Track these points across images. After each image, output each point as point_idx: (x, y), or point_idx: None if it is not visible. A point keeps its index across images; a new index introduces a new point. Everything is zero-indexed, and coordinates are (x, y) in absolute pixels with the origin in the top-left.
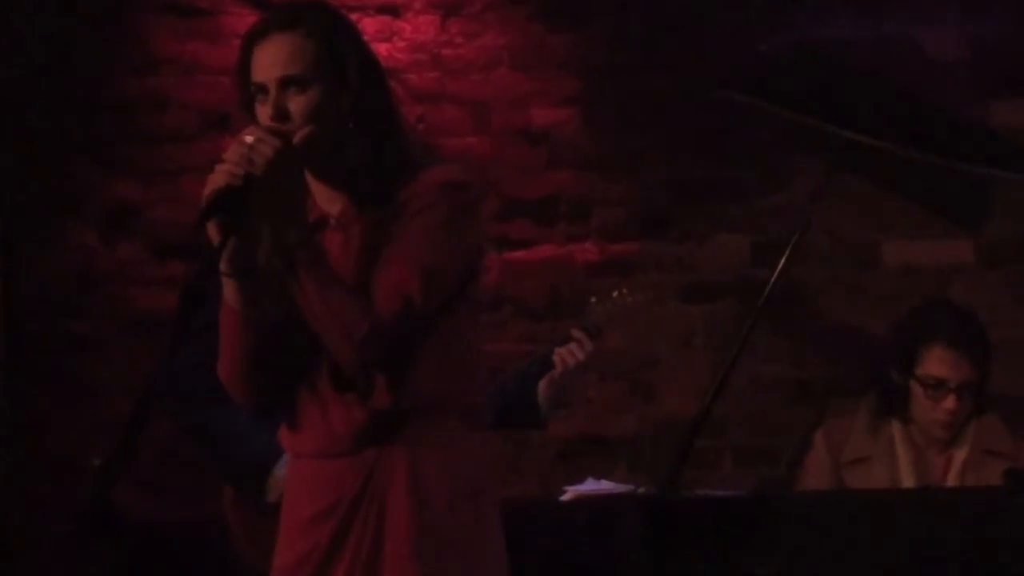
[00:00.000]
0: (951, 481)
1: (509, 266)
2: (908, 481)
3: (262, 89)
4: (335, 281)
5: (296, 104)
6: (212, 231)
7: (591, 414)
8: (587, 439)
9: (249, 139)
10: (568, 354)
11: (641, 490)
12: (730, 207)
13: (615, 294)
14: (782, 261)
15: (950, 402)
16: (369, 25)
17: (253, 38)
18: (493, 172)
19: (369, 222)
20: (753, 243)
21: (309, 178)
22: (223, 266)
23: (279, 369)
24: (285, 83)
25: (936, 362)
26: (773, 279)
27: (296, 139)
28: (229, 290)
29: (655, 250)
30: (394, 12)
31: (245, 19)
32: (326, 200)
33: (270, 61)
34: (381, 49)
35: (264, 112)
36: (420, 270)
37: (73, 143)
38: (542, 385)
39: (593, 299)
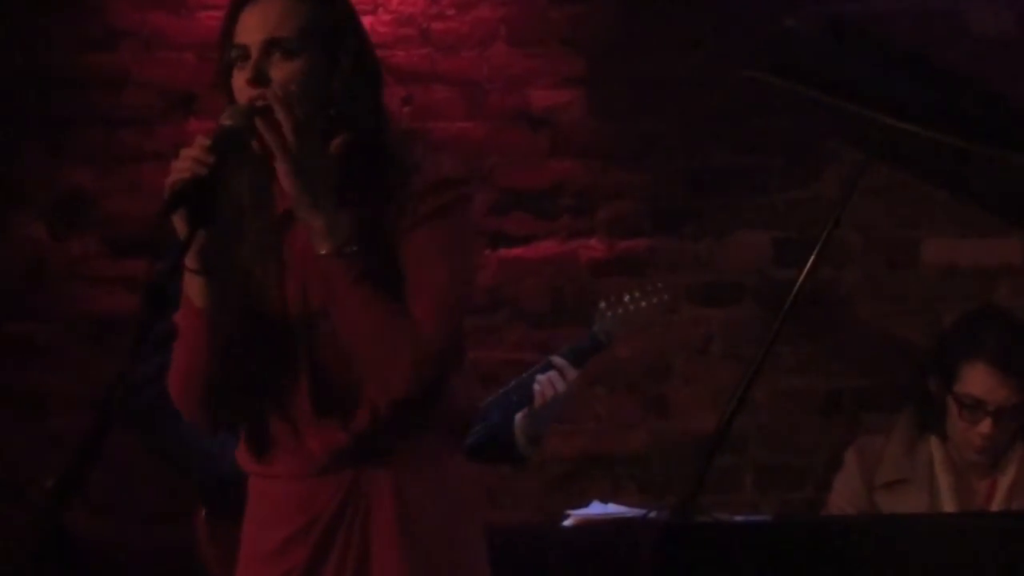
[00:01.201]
0: (996, 508)
1: (505, 265)
2: (948, 507)
3: (243, 53)
4: (372, 301)
5: (279, 71)
6: (178, 223)
7: (597, 430)
8: (592, 458)
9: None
10: (548, 384)
11: (652, 514)
12: (752, 200)
13: (627, 297)
14: (810, 260)
15: (986, 426)
16: None
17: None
18: (488, 160)
19: (352, 225)
20: (777, 240)
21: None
22: (189, 262)
23: (240, 383)
24: (270, 46)
25: (977, 381)
26: (800, 280)
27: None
28: (194, 289)
29: (668, 247)
30: None
31: None
32: None
33: (258, 22)
34: (364, 22)
35: (241, 78)
36: (453, 283)
37: (20, 125)
38: (519, 418)
39: (602, 303)
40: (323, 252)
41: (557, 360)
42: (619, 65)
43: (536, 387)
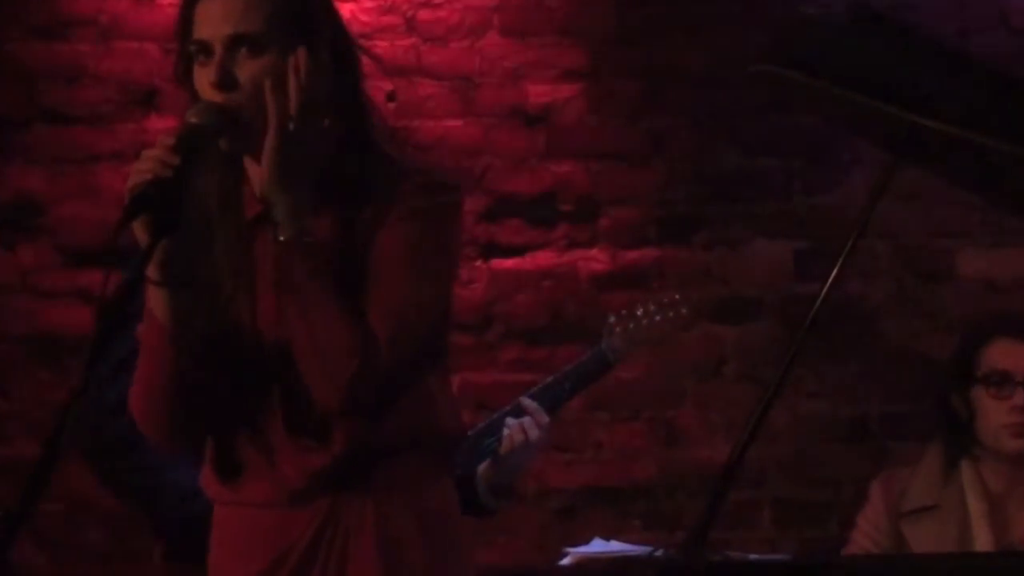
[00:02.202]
0: None
1: (498, 278)
2: (982, 537)
3: (205, 49)
4: (326, 301)
5: (246, 70)
6: (139, 231)
7: (598, 460)
8: (593, 490)
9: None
10: (519, 431)
11: (659, 553)
12: (770, 206)
13: (640, 311)
14: (833, 273)
15: (1020, 398)
16: None
17: None
18: (479, 162)
19: (328, 224)
20: (798, 250)
21: (250, 166)
22: (152, 272)
23: (208, 403)
24: (235, 42)
25: (998, 356)
26: (822, 294)
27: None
28: (157, 302)
29: (677, 258)
30: None
31: None
32: None
33: (219, 13)
34: (343, 10)
35: (205, 77)
36: (419, 295)
37: None
38: (482, 468)
39: (612, 317)
40: (282, 238)
41: (527, 403)
42: (622, 57)
43: (505, 431)
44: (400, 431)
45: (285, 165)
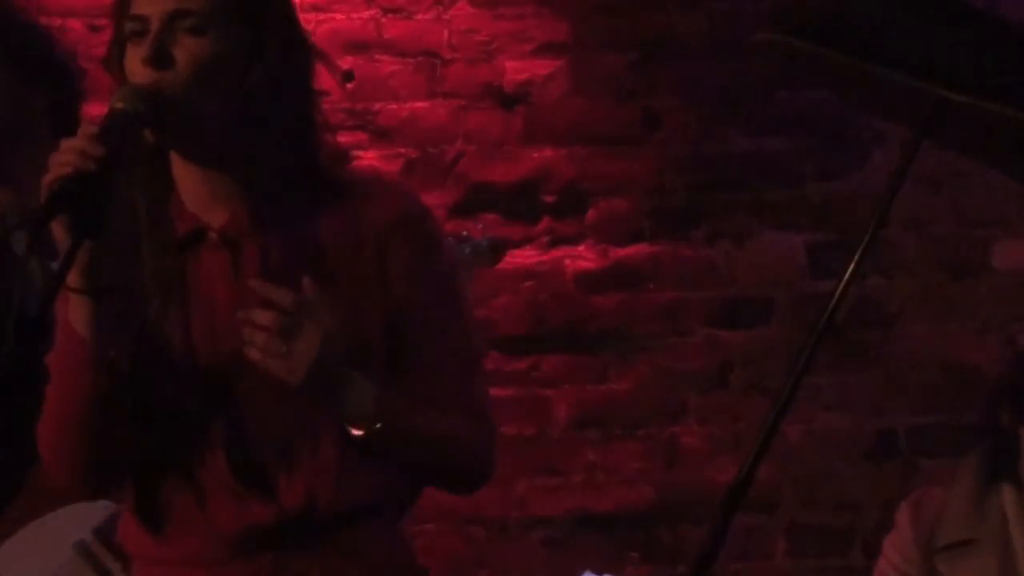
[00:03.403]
0: None
1: (473, 279)
2: None
3: (142, 25)
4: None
5: (184, 49)
6: (58, 231)
7: (589, 483)
8: (584, 518)
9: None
10: None
11: None
12: (779, 194)
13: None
14: (851, 268)
15: None
16: None
17: None
18: (450, 149)
19: (275, 245)
20: (811, 244)
21: (181, 174)
22: (72, 280)
23: (131, 437)
24: (174, 18)
25: None
26: (839, 293)
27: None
28: (76, 313)
29: (675, 255)
30: None
31: None
32: (201, 203)
33: None
34: None
35: (137, 55)
36: (476, 361)
37: None
38: None
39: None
40: (360, 433)
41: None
42: (610, 28)
43: None
44: (364, 490)
45: (314, 391)
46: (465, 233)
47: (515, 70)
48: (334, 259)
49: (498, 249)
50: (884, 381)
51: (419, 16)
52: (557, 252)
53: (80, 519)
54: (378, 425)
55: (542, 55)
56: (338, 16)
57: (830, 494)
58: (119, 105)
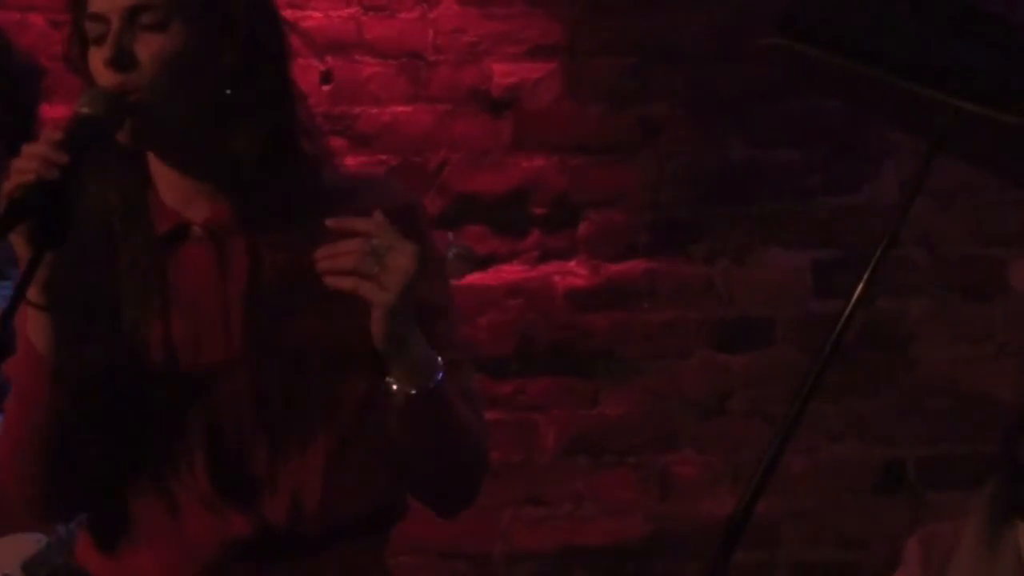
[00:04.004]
0: None
1: (458, 295)
2: None
3: (101, 26)
4: (455, 424)
5: (147, 47)
6: (18, 243)
7: (579, 515)
8: (573, 552)
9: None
10: None
11: None
12: (784, 208)
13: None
14: (860, 287)
15: None
16: None
17: None
18: (435, 156)
19: (262, 238)
20: (818, 261)
21: (158, 169)
22: (32, 294)
23: (93, 455)
24: (134, 14)
25: None
26: (846, 314)
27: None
28: (37, 328)
29: (673, 272)
30: None
31: None
32: (182, 199)
33: None
34: None
35: (99, 57)
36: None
37: None
38: None
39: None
40: (413, 392)
41: None
42: (605, 30)
43: None
44: (350, 504)
45: (401, 318)
46: (451, 235)
47: (504, 73)
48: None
49: (482, 259)
50: (894, 409)
51: (402, 15)
52: (547, 267)
53: (8, 553)
54: (439, 376)
55: (533, 58)
56: (316, 14)
57: (835, 529)
58: (84, 110)
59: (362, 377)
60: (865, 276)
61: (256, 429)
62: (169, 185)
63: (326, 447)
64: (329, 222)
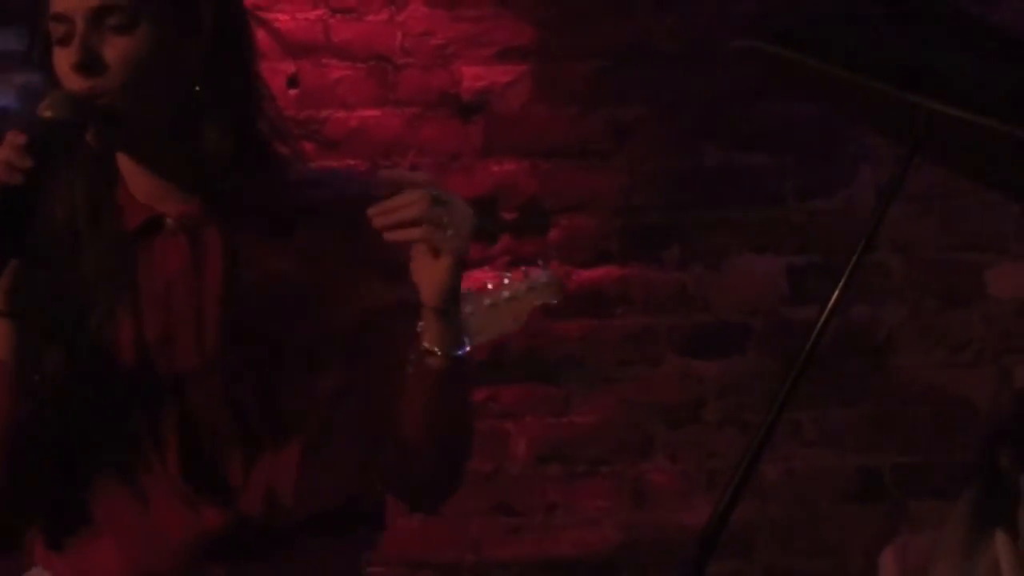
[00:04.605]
0: None
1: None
2: None
3: (66, 28)
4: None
5: (115, 49)
6: None
7: (551, 525)
8: (545, 563)
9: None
10: None
11: None
12: (758, 213)
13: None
14: (836, 294)
15: None
16: None
17: None
18: (403, 160)
19: (236, 229)
20: (792, 267)
21: (127, 166)
22: None
23: (53, 461)
24: (100, 15)
25: None
26: (822, 320)
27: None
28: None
29: (646, 278)
30: None
31: None
32: (154, 194)
33: None
34: None
35: (65, 60)
36: None
37: None
38: None
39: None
40: (453, 354)
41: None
42: (575, 33)
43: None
44: (325, 496)
45: (461, 270)
46: (540, 262)
47: (473, 77)
48: (295, 247)
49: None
50: (870, 416)
51: (370, 17)
52: (517, 273)
53: None
54: (480, 338)
55: (503, 61)
56: (282, 17)
57: (810, 538)
58: (47, 113)
59: (335, 371)
60: (841, 282)
61: (230, 424)
62: (140, 182)
63: (300, 441)
64: (384, 172)
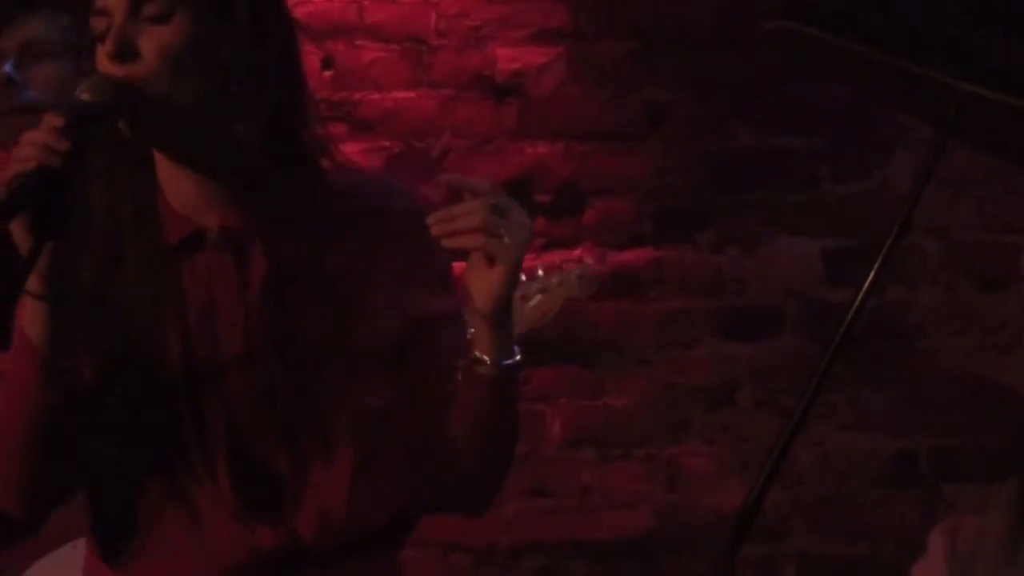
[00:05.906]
0: None
1: (461, 287)
2: None
3: (106, 21)
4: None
5: (150, 38)
6: (18, 233)
7: (583, 507)
8: (579, 545)
9: (86, 96)
10: None
11: None
12: (792, 196)
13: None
14: (870, 277)
15: None
16: None
17: None
18: (437, 143)
19: (278, 242)
20: (827, 250)
21: (167, 175)
22: (32, 284)
23: (86, 451)
24: (137, 6)
25: None
26: (857, 303)
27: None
28: (33, 320)
29: (680, 260)
30: None
31: None
32: (193, 205)
33: None
34: None
35: (103, 51)
36: None
37: None
38: None
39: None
40: (505, 363)
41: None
42: (610, 14)
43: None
44: (376, 513)
45: (515, 279)
46: (579, 257)
47: (508, 58)
48: (339, 258)
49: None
50: (905, 399)
51: (404, 0)
52: (551, 256)
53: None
54: (517, 351)
55: (537, 42)
56: (317, 1)
57: (845, 522)
58: (85, 96)
59: (382, 385)
60: (876, 265)
61: (277, 436)
62: (179, 191)
63: (351, 458)
64: (445, 177)
